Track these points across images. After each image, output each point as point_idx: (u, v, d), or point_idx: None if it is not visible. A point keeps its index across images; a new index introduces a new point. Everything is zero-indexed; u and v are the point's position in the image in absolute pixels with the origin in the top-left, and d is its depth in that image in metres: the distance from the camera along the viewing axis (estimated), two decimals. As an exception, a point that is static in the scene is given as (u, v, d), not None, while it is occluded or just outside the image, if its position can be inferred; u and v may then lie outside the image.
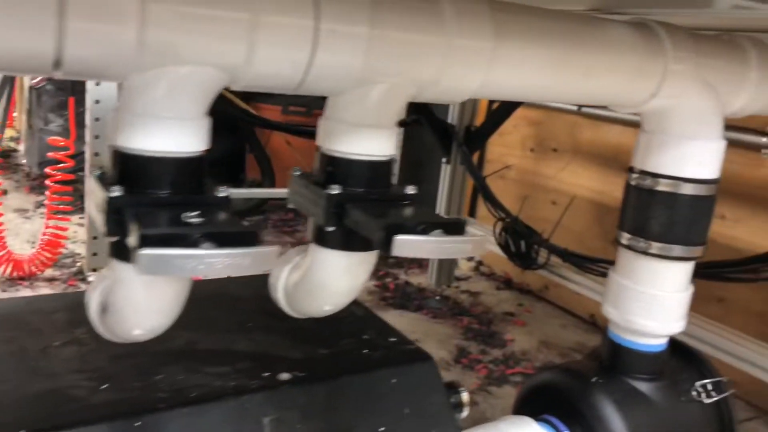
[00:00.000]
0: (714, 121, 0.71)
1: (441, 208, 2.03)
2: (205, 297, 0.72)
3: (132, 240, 0.42)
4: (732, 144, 1.62)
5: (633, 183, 0.76)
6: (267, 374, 0.60)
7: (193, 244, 0.42)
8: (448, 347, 1.75)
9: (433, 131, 1.84)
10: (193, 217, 0.45)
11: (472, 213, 2.31)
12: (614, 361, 0.80)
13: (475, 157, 2.41)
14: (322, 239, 0.50)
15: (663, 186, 0.73)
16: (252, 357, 0.63)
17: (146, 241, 0.41)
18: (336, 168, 0.50)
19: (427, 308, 2.00)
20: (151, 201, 0.45)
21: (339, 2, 0.44)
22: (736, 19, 0.70)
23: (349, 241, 0.49)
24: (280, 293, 0.58)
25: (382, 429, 0.60)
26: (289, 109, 2.86)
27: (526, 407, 0.83)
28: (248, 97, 2.98)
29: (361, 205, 0.48)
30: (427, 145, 2.01)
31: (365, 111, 0.49)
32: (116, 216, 0.44)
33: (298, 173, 0.53)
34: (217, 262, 0.41)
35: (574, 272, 1.57)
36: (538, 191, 2.20)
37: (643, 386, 0.78)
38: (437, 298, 2.08)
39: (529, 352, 1.79)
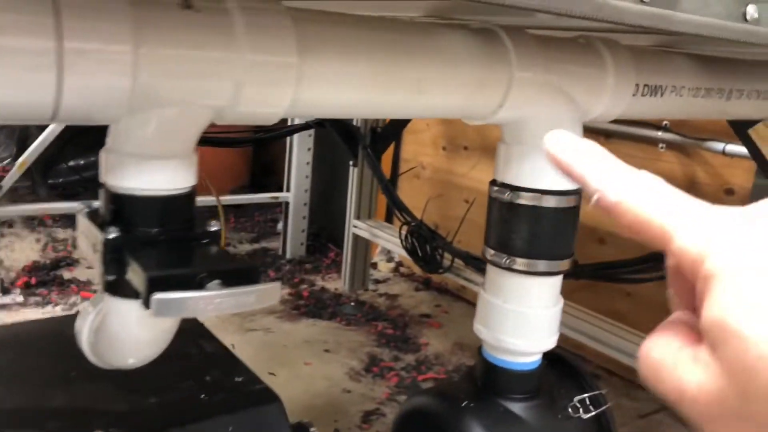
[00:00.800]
0: (571, 130, 0.68)
1: (351, 213, 1.98)
2: (12, 341, 0.64)
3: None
4: (630, 138, 1.63)
5: (494, 196, 0.72)
6: (77, 436, 0.53)
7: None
8: (359, 356, 1.70)
9: (338, 134, 1.78)
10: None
11: (388, 218, 2.28)
12: (488, 381, 0.76)
13: (390, 157, 2.38)
14: (109, 286, 0.44)
15: (523, 199, 0.69)
16: (66, 414, 0.56)
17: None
18: (119, 206, 0.44)
19: (341, 315, 1.95)
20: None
21: (89, 19, 0.37)
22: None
23: (135, 289, 0.43)
24: (84, 343, 0.51)
25: (213, 486, 0.54)
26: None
27: (400, 434, 0.79)
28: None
29: (139, 252, 0.42)
30: (338, 147, 1.96)
31: (147, 140, 0.43)
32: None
33: (85, 211, 0.47)
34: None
35: (480, 275, 1.55)
36: (451, 190, 2.18)
37: (518, 407, 0.74)
38: (352, 303, 2.03)
39: (443, 356, 1.76)
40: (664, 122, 1.52)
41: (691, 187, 1.51)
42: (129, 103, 0.40)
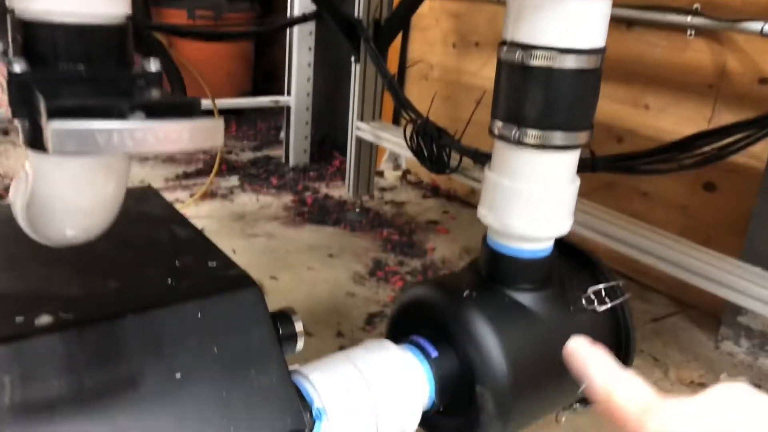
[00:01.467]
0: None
1: (354, 114, 1.88)
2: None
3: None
4: (655, 26, 1.49)
5: (503, 58, 0.62)
6: (21, 319, 0.46)
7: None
8: (364, 260, 1.65)
9: (338, 27, 1.65)
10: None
11: (396, 119, 2.17)
12: (493, 271, 0.69)
13: (396, 57, 2.24)
14: (29, 138, 0.36)
15: (538, 59, 0.59)
16: (10, 299, 0.49)
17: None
18: (28, 36, 0.35)
19: (346, 222, 1.88)
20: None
21: None
22: None
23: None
24: (19, 215, 0.44)
25: (179, 375, 0.48)
26: (195, 14, 2.60)
27: (398, 328, 0.73)
28: (151, 1, 2.70)
29: (52, 87, 0.34)
30: (342, 47, 1.83)
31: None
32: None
33: (-3, 49, 0.38)
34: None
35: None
36: (460, 91, 2.06)
37: (525, 298, 0.67)
38: (357, 210, 1.96)
39: (450, 260, 1.71)
40: (695, 5, 1.38)
41: (722, 78, 1.39)
42: None
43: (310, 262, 1.62)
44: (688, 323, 1.46)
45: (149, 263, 0.57)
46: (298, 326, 0.55)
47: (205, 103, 1.98)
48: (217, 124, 0.35)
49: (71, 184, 0.38)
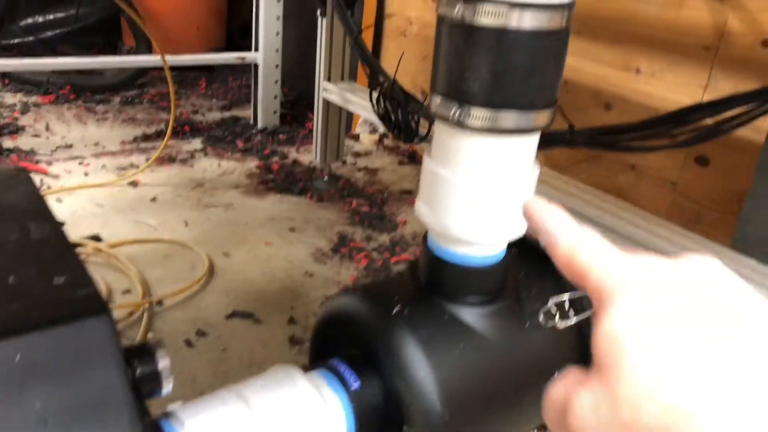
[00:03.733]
0: None
1: (321, 73, 1.72)
2: None
3: None
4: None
5: (441, 13, 0.48)
6: None
7: None
8: (328, 235, 1.53)
9: (301, -24, 1.49)
10: None
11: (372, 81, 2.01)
12: (434, 281, 0.57)
13: (372, 9, 2.08)
14: None
15: (486, 17, 0.45)
16: None
17: None
18: None
19: (313, 190, 1.75)
20: None
21: None
22: None
23: None
24: None
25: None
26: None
27: (320, 346, 0.61)
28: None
29: None
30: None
31: None
32: None
33: None
34: None
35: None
36: (439, 49, 1.90)
37: (470, 314, 0.55)
38: (325, 178, 1.83)
39: (421, 235, 1.58)
40: (695, -44, 1.23)
41: (721, 39, 1.25)
42: None
43: (268, 236, 1.49)
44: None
45: (-25, 279, 0.44)
46: (163, 363, 0.43)
47: (157, 59, 1.81)
48: None
49: None
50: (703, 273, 0.27)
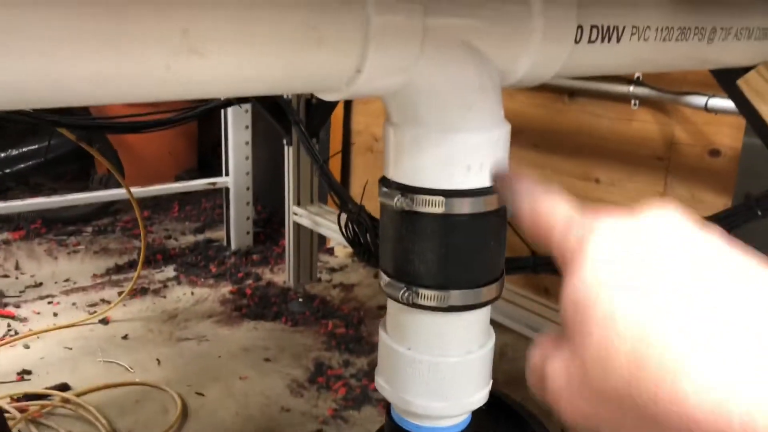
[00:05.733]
0: (484, 100, 0.45)
1: (290, 198, 1.75)
2: None
3: None
4: (598, 96, 1.41)
5: (384, 202, 0.50)
6: None
7: None
8: (304, 362, 1.50)
9: (266, 109, 1.54)
10: None
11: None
12: (399, 453, 0.55)
13: (339, 130, 2.14)
14: None
15: (426, 206, 0.47)
16: None
17: None
18: None
19: (287, 314, 1.74)
20: None
21: None
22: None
23: None
24: None
25: None
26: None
27: None
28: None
29: None
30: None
31: None
32: None
33: None
34: None
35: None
36: (405, 165, 1.95)
37: (438, 488, 0.53)
38: (300, 300, 1.81)
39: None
40: (636, 75, 1.30)
41: (671, 148, 1.30)
42: None
43: (243, 369, 1.46)
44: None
45: None
46: None
47: (122, 192, 1.83)
48: None
49: None
50: (662, 228, 0.26)
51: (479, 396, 0.53)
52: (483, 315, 0.52)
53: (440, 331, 0.50)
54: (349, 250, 2.24)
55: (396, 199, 0.48)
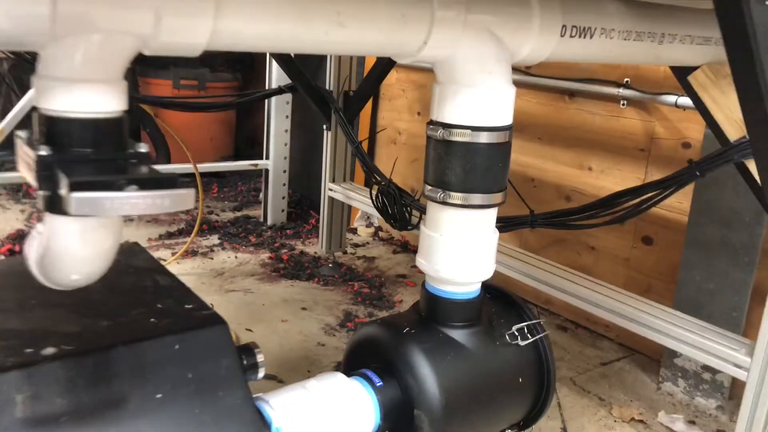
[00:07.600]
0: (499, 69, 0.72)
1: (326, 176, 2.02)
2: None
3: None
4: (593, 96, 1.67)
5: (430, 135, 0.76)
6: (30, 350, 0.57)
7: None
8: (335, 312, 1.76)
9: (311, 98, 1.81)
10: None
11: (368, 181, 2.31)
12: (431, 311, 0.81)
13: (367, 125, 2.41)
14: (48, 205, 0.48)
15: (457, 136, 0.73)
16: (20, 334, 0.60)
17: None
18: (50, 128, 0.48)
19: (319, 276, 2.00)
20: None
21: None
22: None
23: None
24: (33, 264, 0.55)
25: (159, 395, 0.59)
26: (180, 83, 2.77)
27: (350, 363, 0.84)
28: (138, 72, 2.87)
29: (69, 167, 0.46)
30: (316, 114, 1.99)
31: (74, 65, 0.46)
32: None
33: (23, 135, 0.51)
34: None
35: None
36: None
37: (457, 334, 0.79)
38: (330, 265, 2.08)
39: (417, 312, 1.82)
40: (626, 79, 1.56)
41: (651, 142, 1.56)
42: (52, 30, 0.44)
43: (284, 314, 1.72)
44: (634, 367, 1.58)
45: (135, 306, 0.68)
46: (260, 357, 0.67)
47: (188, 167, 2.12)
48: (189, 192, 0.48)
49: (79, 239, 0.50)
50: None
51: (488, 270, 0.80)
52: (492, 214, 0.78)
53: (464, 222, 0.77)
54: (370, 230, 2.51)
55: (438, 131, 0.74)
